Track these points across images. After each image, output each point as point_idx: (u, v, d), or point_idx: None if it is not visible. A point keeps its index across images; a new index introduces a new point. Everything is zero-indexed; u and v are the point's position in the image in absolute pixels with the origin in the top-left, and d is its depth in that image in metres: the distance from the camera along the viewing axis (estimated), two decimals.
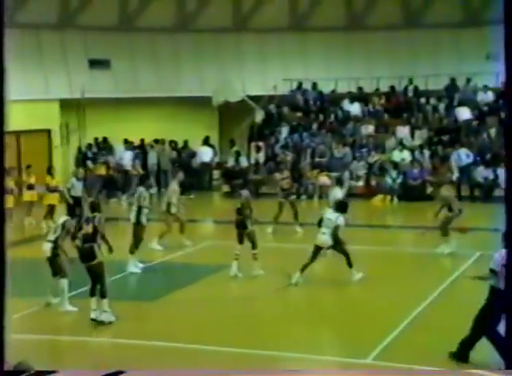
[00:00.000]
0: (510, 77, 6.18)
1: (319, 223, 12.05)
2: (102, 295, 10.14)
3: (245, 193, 13.11)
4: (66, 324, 10.43)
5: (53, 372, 5.72)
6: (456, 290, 11.87)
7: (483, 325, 8.32)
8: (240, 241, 12.73)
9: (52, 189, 17.82)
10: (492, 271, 8.24)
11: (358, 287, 12.04)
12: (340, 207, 12.29)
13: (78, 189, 17.50)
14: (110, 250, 10.50)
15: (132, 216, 13.45)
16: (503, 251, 7.98)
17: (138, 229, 13.36)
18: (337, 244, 12.07)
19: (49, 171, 18.35)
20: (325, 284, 12.47)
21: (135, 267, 13.22)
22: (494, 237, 11.53)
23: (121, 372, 5.79)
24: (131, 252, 13.24)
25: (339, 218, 11.95)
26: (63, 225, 10.76)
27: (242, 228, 12.70)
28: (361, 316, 10.53)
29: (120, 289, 12.16)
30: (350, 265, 12.09)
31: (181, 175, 15.88)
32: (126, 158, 23.51)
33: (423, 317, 10.33)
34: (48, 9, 22.99)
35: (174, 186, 15.33)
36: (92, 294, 10.20)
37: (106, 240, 10.47)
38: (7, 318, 5.12)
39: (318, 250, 12.04)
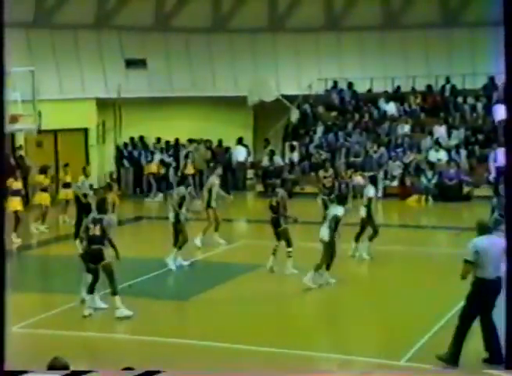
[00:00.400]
0: (510, 77, 6.15)
1: (324, 218, 12.12)
2: (114, 293, 10.33)
3: (281, 191, 13.13)
4: (97, 321, 10.52)
5: (89, 372, 5.74)
6: None
7: (468, 319, 8.29)
8: (278, 238, 12.78)
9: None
10: (467, 261, 8.29)
11: (391, 287, 11.94)
12: (340, 199, 12.27)
13: (87, 188, 17.51)
14: (117, 256, 10.40)
15: (171, 216, 13.47)
16: (475, 240, 8.30)
17: (180, 227, 13.34)
18: (330, 241, 11.70)
19: (84, 170, 18.55)
20: (358, 284, 12.39)
21: (173, 264, 13.26)
22: None
23: (157, 372, 5.78)
24: (180, 248, 13.31)
25: (337, 210, 11.83)
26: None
27: (276, 226, 12.74)
28: (395, 317, 10.44)
29: (153, 287, 12.25)
30: (318, 267, 11.71)
31: (219, 170, 15.95)
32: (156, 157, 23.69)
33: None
34: (85, 9, 23.21)
35: (213, 180, 15.37)
36: (91, 291, 10.42)
37: (113, 245, 10.40)
38: (8, 317, 5.15)
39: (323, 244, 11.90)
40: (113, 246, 10.38)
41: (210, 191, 15.17)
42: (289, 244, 12.71)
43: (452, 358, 8.28)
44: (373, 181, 14.45)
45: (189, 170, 22.46)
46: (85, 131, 23.86)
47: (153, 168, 23.29)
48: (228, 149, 24.82)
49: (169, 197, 13.92)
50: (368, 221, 13.68)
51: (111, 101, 23.68)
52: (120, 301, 10.33)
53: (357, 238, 13.76)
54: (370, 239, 13.72)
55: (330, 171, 17.67)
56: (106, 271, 10.32)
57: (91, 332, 10.14)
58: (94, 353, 9.44)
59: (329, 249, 11.73)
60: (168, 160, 23.77)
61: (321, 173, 17.97)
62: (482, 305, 8.35)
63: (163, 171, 23.31)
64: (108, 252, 10.32)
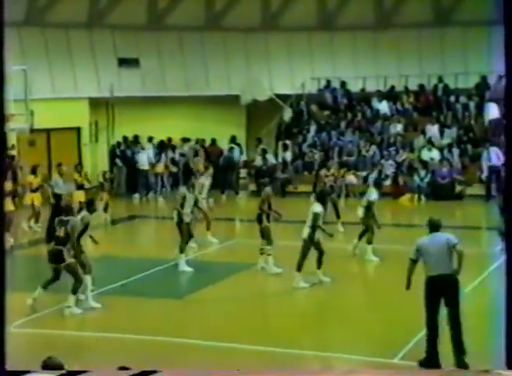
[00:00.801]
0: (510, 77, 6.20)
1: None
2: (74, 292, 10.43)
3: (267, 189, 13.16)
4: (90, 320, 10.52)
5: (84, 372, 5.73)
6: (485, 289, 11.73)
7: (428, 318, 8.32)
8: (262, 236, 12.76)
9: (79, 187, 18.01)
10: (412, 260, 8.55)
11: (385, 285, 11.95)
12: (318, 197, 12.22)
13: (61, 187, 17.42)
14: (74, 256, 10.47)
15: (175, 215, 13.45)
16: (418, 239, 8.58)
17: (183, 227, 13.28)
18: (309, 239, 11.64)
19: (77, 168, 18.54)
20: (353, 283, 12.40)
21: (186, 266, 13.12)
22: None
23: (154, 372, 5.76)
24: (181, 251, 13.14)
25: (316, 207, 11.78)
26: (82, 221, 10.85)
27: (258, 223, 12.75)
28: (388, 315, 10.46)
29: (147, 287, 12.23)
30: (299, 267, 11.70)
31: (211, 170, 15.94)
32: (145, 156, 23.59)
33: None
34: (78, 8, 23.15)
35: (203, 181, 15.33)
36: (45, 287, 10.55)
37: (75, 248, 10.47)
38: (7, 319, 5.14)
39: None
40: (74, 248, 10.42)
41: (199, 191, 15.15)
42: (268, 242, 12.67)
43: (429, 362, 8.18)
44: (377, 185, 14.18)
45: (201, 168, 22.49)
46: (78, 130, 23.80)
47: (160, 168, 23.22)
48: (232, 148, 24.44)
49: (176, 195, 13.88)
50: (366, 222, 13.54)
51: (104, 100, 23.63)
52: (74, 302, 10.45)
53: (360, 236, 13.69)
54: (369, 242, 13.52)
55: (332, 170, 17.78)
56: (69, 271, 10.44)
57: (83, 332, 10.13)
58: (87, 353, 9.41)
59: (307, 247, 11.70)
60: (178, 158, 23.67)
61: (323, 172, 18.05)
62: (433, 302, 8.30)
63: (174, 169, 23.24)
64: (69, 254, 10.38)
